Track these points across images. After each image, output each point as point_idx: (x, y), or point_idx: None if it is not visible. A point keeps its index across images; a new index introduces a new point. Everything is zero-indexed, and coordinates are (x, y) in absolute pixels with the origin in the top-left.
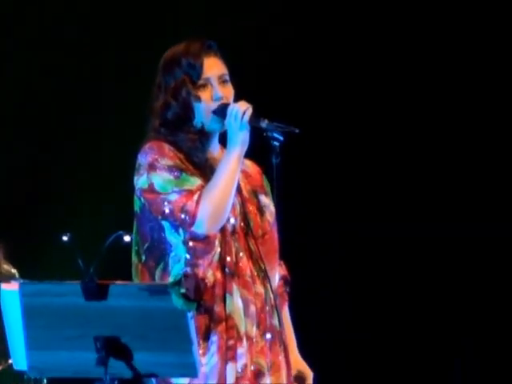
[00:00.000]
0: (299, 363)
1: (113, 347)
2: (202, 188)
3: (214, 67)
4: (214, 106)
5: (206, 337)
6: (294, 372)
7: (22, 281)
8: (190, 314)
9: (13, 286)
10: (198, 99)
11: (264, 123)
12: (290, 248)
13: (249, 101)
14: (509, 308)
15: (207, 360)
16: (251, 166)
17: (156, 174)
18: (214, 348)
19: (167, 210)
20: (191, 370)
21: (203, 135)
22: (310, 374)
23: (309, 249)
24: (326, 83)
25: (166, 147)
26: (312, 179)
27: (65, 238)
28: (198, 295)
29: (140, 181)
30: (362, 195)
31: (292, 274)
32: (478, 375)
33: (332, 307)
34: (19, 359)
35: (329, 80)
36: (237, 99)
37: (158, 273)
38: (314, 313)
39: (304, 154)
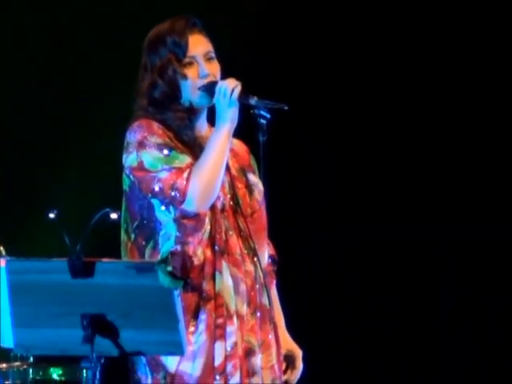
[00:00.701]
0: (288, 342)
1: (99, 325)
2: (191, 166)
3: (199, 44)
4: (201, 83)
5: (195, 315)
6: (283, 351)
7: (8, 258)
8: (176, 292)
9: None
10: (185, 77)
11: (253, 100)
12: (276, 229)
13: (238, 78)
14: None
15: (195, 338)
16: (238, 145)
17: (145, 151)
18: (202, 326)
19: (157, 188)
20: (178, 348)
21: (191, 113)
22: (299, 353)
23: (295, 229)
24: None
25: (155, 125)
26: (300, 158)
27: (51, 215)
28: (185, 273)
29: (129, 159)
30: (349, 174)
31: (279, 254)
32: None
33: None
34: (5, 337)
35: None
36: (224, 76)
37: (147, 251)
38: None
39: (292, 132)
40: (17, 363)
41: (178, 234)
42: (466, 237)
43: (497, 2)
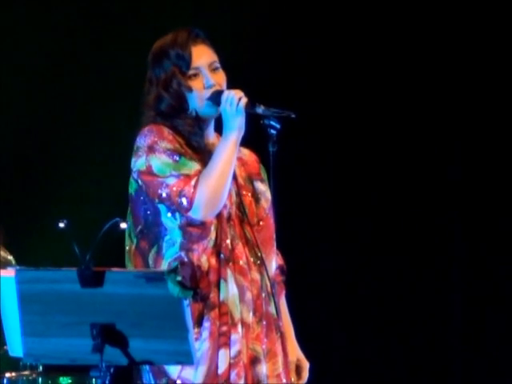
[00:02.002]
0: (297, 353)
1: (109, 334)
2: (199, 173)
3: (202, 55)
4: (207, 93)
5: (198, 323)
6: (293, 359)
7: (18, 267)
8: (185, 302)
9: (9, 273)
10: (190, 89)
11: (260, 109)
12: (286, 237)
13: (244, 88)
14: None
15: (198, 346)
16: (248, 154)
17: (155, 156)
18: (205, 334)
19: (164, 194)
20: (187, 358)
21: (200, 121)
22: (306, 365)
23: (306, 238)
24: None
25: (166, 130)
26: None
27: (61, 225)
28: (194, 283)
29: (138, 163)
30: (358, 183)
31: (287, 263)
32: None
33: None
34: (15, 346)
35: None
36: (230, 86)
37: (151, 256)
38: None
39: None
40: (26, 372)
41: (183, 240)
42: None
43: (497, 1)
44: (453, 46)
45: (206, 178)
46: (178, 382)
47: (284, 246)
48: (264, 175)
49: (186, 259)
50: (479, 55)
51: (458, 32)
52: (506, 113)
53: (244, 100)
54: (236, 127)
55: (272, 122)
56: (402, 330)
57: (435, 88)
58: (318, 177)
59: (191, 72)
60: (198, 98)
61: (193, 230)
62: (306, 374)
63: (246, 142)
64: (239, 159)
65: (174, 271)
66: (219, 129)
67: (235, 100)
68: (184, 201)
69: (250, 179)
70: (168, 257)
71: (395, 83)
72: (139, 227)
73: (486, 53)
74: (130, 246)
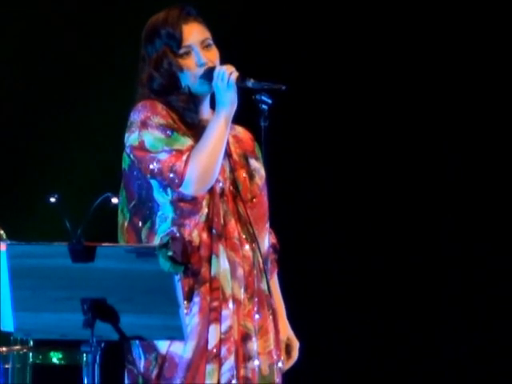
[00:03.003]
0: (287, 332)
1: (99, 309)
2: (192, 149)
3: (194, 33)
4: (200, 71)
5: (188, 298)
6: (283, 338)
7: (9, 242)
8: (176, 277)
9: (0, 247)
10: (181, 69)
11: (250, 82)
12: (278, 214)
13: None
14: None
15: (188, 320)
16: (243, 132)
17: (147, 131)
18: (195, 309)
19: (156, 169)
20: (178, 333)
21: (194, 98)
22: (296, 344)
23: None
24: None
25: (160, 106)
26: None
27: (52, 200)
28: (186, 258)
29: (131, 138)
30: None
31: (280, 241)
32: None
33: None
34: (6, 320)
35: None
36: (223, 62)
37: (144, 231)
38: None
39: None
40: (17, 347)
41: (174, 216)
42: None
43: (497, 1)
44: (453, 45)
45: (197, 154)
46: (167, 356)
47: (275, 222)
48: (259, 153)
49: (177, 234)
50: (479, 55)
51: (458, 32)
52: (505, 113)
53: (235, 74)
54: (228, 102)
55: (264, 98)
56: (395, 313)
57: (434, 86)
58: (310, 155)
59: (182, 50)
60: (190, 76)
61: (184, 205)
62: (295, 354)
63: (238, 118)
64: (234, 136)
65: (165, 246)
66: (214, 105)
67: (226, 75)
68: (175, 176)
69: (245, 156)
70: (160, 232)
71: (392, 72)
72: (132, 202)
73: (485, 53)
74: (122, 221)
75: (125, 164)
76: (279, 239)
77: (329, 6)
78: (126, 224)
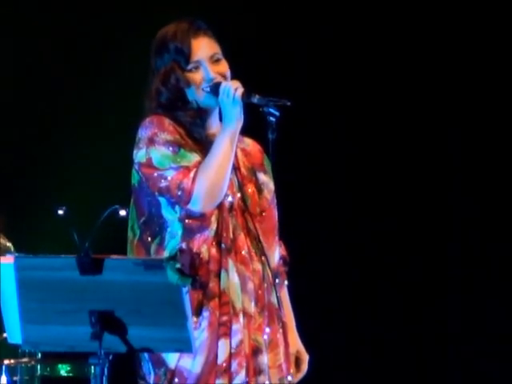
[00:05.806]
0: (297, 344)
1: (107, 322)
2: (199, 164)
3: (203, 48)
4: (207, 86)
5: (197, 312)
6: (293, 351)
7: (16, 254)
8: (184, 289)
9: (8, 260)
10: (188, 84)
11: (255, 98)
12: (286, 227)
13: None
14: None
15: (197, 335)
16: (251, 145)
17: (155, 148)
18: (204, 323)
19: (164, 187)
20: (186, 345)
21: (201, 112)
22: (306, 358)
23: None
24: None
25: (167, 121)
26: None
27: (60, 212)
28: (194, 270)
29: (139, 154)
30: (360, 171)
31: (290, 253)
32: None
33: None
34: (14, 333)
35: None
36: (232, 76)
37: (153, 247)
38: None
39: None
40: (25, 359)
41: (183, 232)
42: None
43: (497, 1)
44: (454, 45)
45: (204, 171)
46: (176, 370)
47: (283, 235)
48: (268, 166)
49: (186, 248)
50: (479, 55)
51: (458, 32)
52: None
53: (240, 90)
54: (234, 118)
55: (271, 110)
56: (402, 324)
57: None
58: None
59: (191, 66)
60: (197, 91)
61: (193, 222)
62: (305, 367)
63: (246, 130)
64: (242, 150)
65: (173, 258)
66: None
67: (232, 91)
68: (183, 194)
69: (253, 170)
70: (169, 248)
71: (393, 73)
72: (142, 219)
73: (485, 53)
74: (132, 237)
75: (134, 180)
76: (289, 251)
77: (335, 13)
78: (135, 240)
